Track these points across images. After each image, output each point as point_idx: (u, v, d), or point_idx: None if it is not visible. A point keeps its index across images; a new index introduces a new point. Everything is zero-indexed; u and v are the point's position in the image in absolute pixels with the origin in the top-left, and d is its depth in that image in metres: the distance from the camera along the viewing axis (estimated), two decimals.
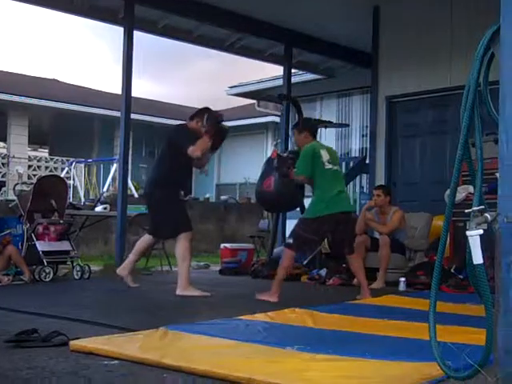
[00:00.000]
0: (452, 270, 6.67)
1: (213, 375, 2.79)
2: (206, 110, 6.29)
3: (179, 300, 5.85)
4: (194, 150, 5.89)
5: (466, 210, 2.44)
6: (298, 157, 6.00)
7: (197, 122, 6.16)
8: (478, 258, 2.34)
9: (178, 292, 5.95)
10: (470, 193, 6.45)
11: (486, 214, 2.38)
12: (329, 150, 5.86)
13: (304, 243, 5.82)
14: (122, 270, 6.48)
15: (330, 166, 5.62)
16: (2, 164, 17.10)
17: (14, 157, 17.00)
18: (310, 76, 12.46)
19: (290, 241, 5.74)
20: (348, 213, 5.76)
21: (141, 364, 3.03)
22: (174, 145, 6.11)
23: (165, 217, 6.11)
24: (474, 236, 2.35)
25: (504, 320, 2.28)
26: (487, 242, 2.42)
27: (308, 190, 8.39)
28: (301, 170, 5.80)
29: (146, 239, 6.38)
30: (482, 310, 2.35)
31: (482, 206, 2.42)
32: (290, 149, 9.34)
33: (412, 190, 9.39)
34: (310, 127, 6.10)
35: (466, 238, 2.39)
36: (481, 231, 2.35)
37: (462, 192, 6.63)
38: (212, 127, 6.07)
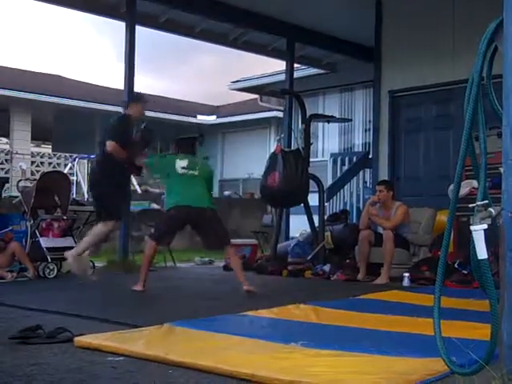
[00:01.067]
0: (456, 265, 6.66)
1: (217, 371, 2.79)
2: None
3: (183, 296, 5.86)
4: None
5: (470, 205, 2.43)
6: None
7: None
8: (482, 252, 2.33)
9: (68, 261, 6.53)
10: (474, 187, 6.43)
11: (490, 209, 2.37)
12: (190, 159, 6.24)
13: (164, 234, 6.19)
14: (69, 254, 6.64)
15: (184, 171, 6.11)
16: (5, 160, 17.09)
17: (17, 153, 16.99)
18: (312, 71, 12.43)
19: (152, 232, 6.25)
20: (198, 208, 6.00)
21: (146, 360, 3.03)
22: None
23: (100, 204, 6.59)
24: (478, 231, 2.34)
25: (509, 315, 2.28)
26: (491, 236, 2.41)
27: (312, 186, 8.40)
28: (150, 160, 6.53)
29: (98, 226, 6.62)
30: (486, 305, 2.35)
31: (486, 201, 2.41)
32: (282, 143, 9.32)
33: (415, 184, 9.38)
34: (179, 144, 6.56)
35: (470, 232, 2.38)
36: (485, 226, 2.34)
37: (466, 187, 6.61)
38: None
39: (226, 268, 8.73)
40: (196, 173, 6.21)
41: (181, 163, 6.20)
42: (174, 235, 6.37)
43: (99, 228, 6.44)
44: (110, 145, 6.21)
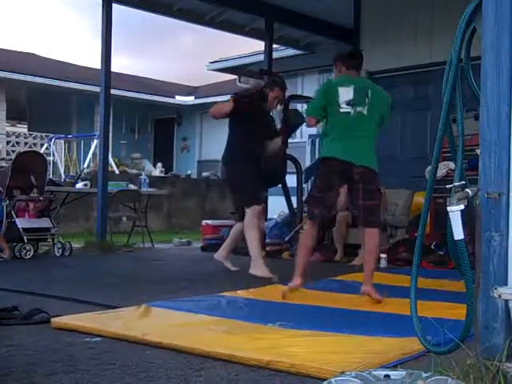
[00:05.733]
0: (432, 247, 6.72)
1: (195, 352, 2.79)
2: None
3: (161, 277, 5.86)
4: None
5: (448, 186, 2.44)
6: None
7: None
8: (458, 233, 2.35)
9: (250, 271, 5.61)
10: (451, 169, 6.48)
11: (467, 190, 2.38)
12: (359, 86, 4.49)
13: (318, 203, 4.49)
14: (218, 255, 6.29)
15: (346, 109, 4.38)
16: None
17: None
18: (291, 51, 12.37)
19: (307, 209, 4.75)
20: (355, 165, 4.35)
21: (123, 341, 3.03)
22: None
23: (233, 191, 6.01)
24: (454, 211, 2.35)
25: (484, 295, 2.30)
26: (468, 217, 2.43)
27: (291, 166, 8.39)
28: (309, 109, 4.67)
29: (238, 225, 6.05)
30: (462, 285, 2.37)
31: (463, 182, 2.42)
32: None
33: (392, 166, 9.40)
34: (343, 58, 4.74)
35: (446, 214, 2.40)
36: (462, 206, 2.35)
37: (443, 168, 6.66)
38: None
39: (204, 249, 8.74)
40: (364, 111, 4.40)
41: (344, 94, 4.39)
42: (334, 201, 4.58)
43: (248, 220, 5.57)
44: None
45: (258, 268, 5.55)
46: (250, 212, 5.63)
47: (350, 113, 4.39)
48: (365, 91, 4.47)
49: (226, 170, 5.97)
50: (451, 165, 6.38)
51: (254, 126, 5.72)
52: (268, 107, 5.96)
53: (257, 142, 5.80)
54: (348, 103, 4.39)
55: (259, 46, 11.21)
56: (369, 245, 4.44)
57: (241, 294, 4.49)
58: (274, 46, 10.93)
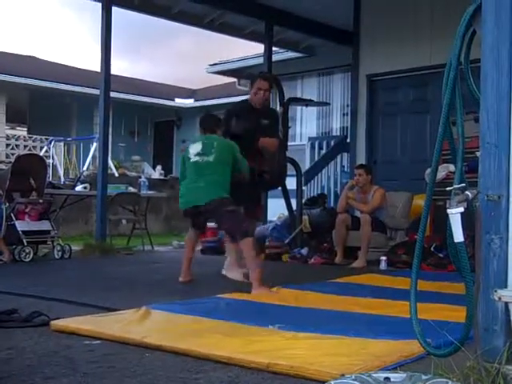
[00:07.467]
0: (432, 249, 6.72)
1: (194, 354, 2.79)
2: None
3: (160, 279, 5.86)
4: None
5: (448, 188, 2.44)
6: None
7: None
8: (458, 235, 2.34)
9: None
10: (451, 171, 6.48)
11: (467, 192, 2.38)
12: (207, 139, 5.45)
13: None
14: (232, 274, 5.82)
15: (196, 159, 5.32)
16: None
17: None
18: (290, 54, 12.38)
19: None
20: (203, 205, 5.21)
21: (123, 343, 3.02)
22: None
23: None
24: (454, 214, 2.35)
25: (484, 297, 2.30)
26: (467, 220, 2.43)
27: (290, 169, 8.41)
28: (179, 177, 5.73)
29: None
30: (461, 287, 2.37)
31: (463, 184, 2.42)
32: None
33: (392, 168, 9.43)
34: (200, 124, 5.73)
35: (446, 216, 2.39)
36: (461, 209, 2.35)
37: (443, 171, 6.66)
38: None
39: (203, 251, 8.74)
40: (211, 158, 5.29)
41: (193, 149, 5.41)
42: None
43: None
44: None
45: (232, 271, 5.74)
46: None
47: (198, 161, 5.33)
48: (211, 144, 5.38)
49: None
50: (451, 167, 6.38)
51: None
52: (253, 101, 5.95)
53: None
54: (196, 154, 5.36)
55: (259, 48, 11.23)
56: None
57: (240, 296, 4.49)
58: (274, 48, 10.95)
